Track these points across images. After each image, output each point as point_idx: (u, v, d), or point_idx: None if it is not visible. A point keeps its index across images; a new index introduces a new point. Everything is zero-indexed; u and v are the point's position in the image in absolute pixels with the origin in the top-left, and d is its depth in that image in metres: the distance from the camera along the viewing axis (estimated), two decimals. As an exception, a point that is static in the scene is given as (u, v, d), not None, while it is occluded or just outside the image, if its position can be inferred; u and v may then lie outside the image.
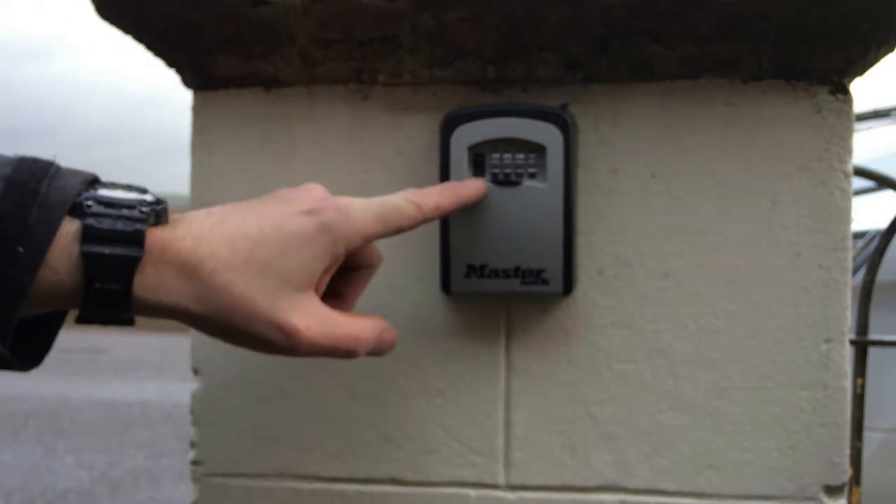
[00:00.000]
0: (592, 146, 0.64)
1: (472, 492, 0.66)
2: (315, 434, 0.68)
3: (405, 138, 0.66)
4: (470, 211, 0.62)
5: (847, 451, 0.64)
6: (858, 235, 1.79)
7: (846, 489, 0.64)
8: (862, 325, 1.15)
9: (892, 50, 0.61)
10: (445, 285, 0.64)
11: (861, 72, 0.63)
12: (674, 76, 0.63)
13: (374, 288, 0.67)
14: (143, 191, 0.48)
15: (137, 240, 0.45)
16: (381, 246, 0.67)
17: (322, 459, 0.68)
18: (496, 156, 0.62)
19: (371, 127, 0.67)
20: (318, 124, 0.67)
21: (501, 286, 0.62)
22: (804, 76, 0.63)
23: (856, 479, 1.10)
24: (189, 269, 0.46)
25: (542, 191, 0.61)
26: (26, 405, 5.23)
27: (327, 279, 0.52)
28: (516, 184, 0.62)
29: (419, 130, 0.66)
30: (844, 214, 0.63)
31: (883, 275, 1.19)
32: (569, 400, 0.65)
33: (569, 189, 0.61)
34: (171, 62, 0.69)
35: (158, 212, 0.47)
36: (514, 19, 0.61)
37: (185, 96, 0.71)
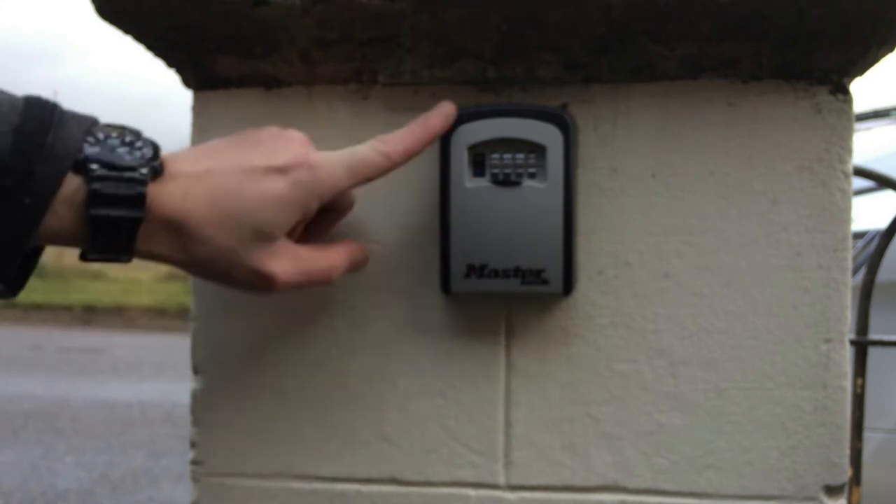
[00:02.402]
0: (592, 146, 0.64)
1: (472, 492, 0.66)
2: (315, 434, 0.68)
3: (405, 138, 0.66)
4: (470, 211, 0.62)
5: (847, 451, 0.64)
6: (858, 235, 1.79)
7: (846, 489, 0.64)
8: (862, 325, 1.15)
9: (892, 50, 0.61)
10: (445, 285, 0.64)
11: (861, 72, 0.63)
12: (674, 76, 0.63)
13: (374, 288, 0.67)
14: (137, 135, 0.52)
15: (139, 202, 0.50)
16: (382, 246, 0.67)
17: (322, 459, 0.68)
18: (496, 156, 0.62)
19: (371, 127, 0.67)
20: (318, 124, 0.67)
21: (501, 286, 0.62)
22: (804, 76, 0.63)
23: (856, 479, 1.10)
24: (176, 224, 0.51)
25: (542, 191, 0.61)
26: (26, 405, 5.23)
27: (301, 228, 0.58)
28: (516, 184, 0.62)
29: (419, 130, 0.66)
30: (844, 214, 0.63)
31: (883, 275, 1.19)
32: (569, 400, 0.65)
33: (569, 189, 0.61)
34: (171, 62, 0.69)
35: (156, 168, 0.51)
36: (514, 19, 0.61)
37: (187, 97, 0.71)
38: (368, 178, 0.57)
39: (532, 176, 0.62)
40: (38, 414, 5.07)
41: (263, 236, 0.53)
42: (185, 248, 0.52)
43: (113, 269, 11.56)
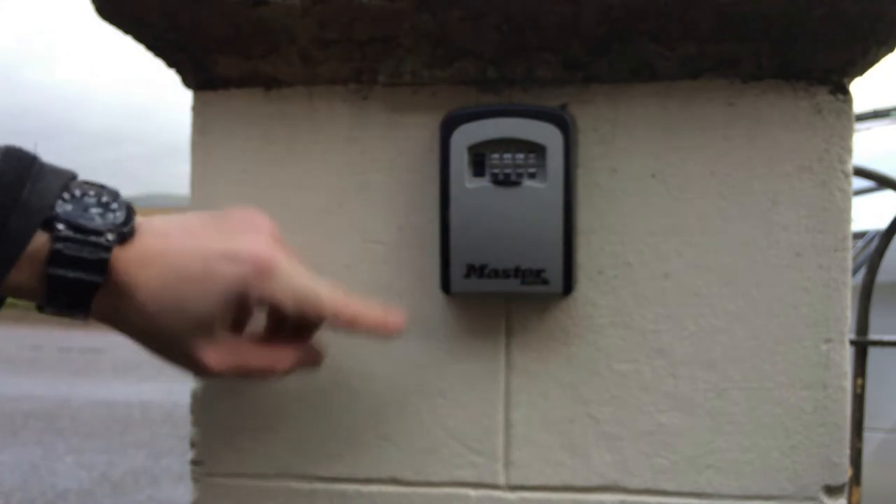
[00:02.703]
0: (592, 146, 0.64)
1: (472, 492, 0.66)
2: (315, 434, 0.68)
3: (405, 138, 0.66)
4: (470, 211, 0.62)
5: (847, 451, 0.64)
6: (858, 235, 1.79)
7: (846, 489, 0.64)
8: (862, 325, 1.15)
9: (892, 50, 0.61)
10: (445, 285, 0.64)
11: (861, 72, 0.63)
12: (674, 76, 0.63)
13: (374, 288, 0.67)
14: (115, 196, 0.52)
15: (100, 267, 0.50)
16: (382, 246, 0.67)
17: (322, 459, 0.68)
18: (496, 156, 0.62)
19: (371, 127, 0.67)
20: (318, 124, 0.67)
21: (501, 286, 0.62)
22: (804, 76, 0.63)
23: (856, 479, 1.10)
24: (128, 294, 0.51)
25: (542, 191, 0.61)
26: (26, 405, 5.23)
27: (247, 319, 0.59)
28: (516, 184, 0.62)
29: (419, 130, 0.66)
30: (844, 214, 0.63)
31: (883, 275, 1.19)
32: (569, 400, 0.65)
33: (569, 189, 0.61)
34: (171, 62, 0.69)
35: (125, 234, 0.51)
36: (514, 19, 0.61)
37: (187, 98, 0.71)
38: (305, 316, 0.57)
39: (532, 176, 0.62)
40: (38, 414, 5.07)
41: (203, 327, 0.54)
42: (129, 317, 0.52)
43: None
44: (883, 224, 1.22)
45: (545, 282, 0.62)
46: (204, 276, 0.53)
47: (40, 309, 0.52)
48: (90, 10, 0.64)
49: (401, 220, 0.67)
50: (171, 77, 0.71)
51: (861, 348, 1.14)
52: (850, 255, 0.63)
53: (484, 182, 0.62)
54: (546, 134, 0.61)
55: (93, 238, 0.49)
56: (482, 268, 0.62)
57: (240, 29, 0.64)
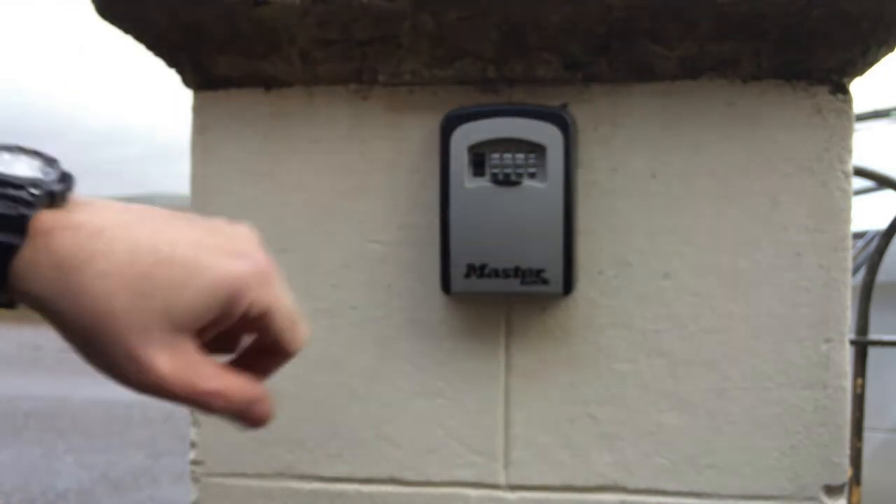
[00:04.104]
0: (592, 146, 0.64)
1: (472, 492, 0.66)
2: (315, 434, 0.68)
3: (405, 138, 0.66)
4: (470, 211, 0.62)
5: (847, 451, 0.64)
6: (858, 235, 1.79)
7: (846, 489, 0.64)
8: (862, 325, 1.15)
9: (892, 50, 0.61)
10: (445, 285, 0.64)
11: (861, 72, 0.63)
12: (674, 76, 0.63)
13: (374, 288, 0.67)
14: (52, 161, 0.43)
15: (20, 225, 0.40)
16: (382, 245, 0.67)
17: (322, 459, 0.68)
18: (496, 156, 0.62)
19: (371, 127, 0.67)
20: (318, 124, 0.67)
21: (501, 286, 0.62)
22: (804, 76, 0.63)
23: (856, 479, 1.10)
24: (72, 263, 0.41)
25: (542, 191, 0.61)
26: (26, 405, 5.23)
27: (213, 332, 0.46)
28: (516, 184, 0.62)
29: (419, 130, 0.66)
30: (844, 214, 0.63)
31: (883, 275, 1.19)
32: (569, 400, 0.65)
33: (569, 189, 0.61)
34: (171, 62, 0.69)
35: (55, 193, 0.42)
36: (514, 19, 0.61)
37: (188, 98, 0.71)
38: (280, 342, 0.47)
39: (532, 176, 0.62)
40: (38, 414, 5.07)
41: (172, 320, 0.43)
42: (73, 293, 0.41)
43: (113, 269, 11.53)
44: (883, 224, 1.22)
45: (545, 282, 0.62)
46: (195, 265, 0.43)
47: None
48: (91, 10, 0.64)
49: (401, 220, 0.67)
50: (171, 77, 0.71)
51: (861, 348, 1.14)
52: (850, 255, 0.63)
53: (484, 182, 0.62)
54: (546, 134, 0.61)
55: (11, 191, 0.40)
56: (482, 268, 0.62)
57: (240, 29, 0.64)
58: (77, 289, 0.41)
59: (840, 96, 0.62)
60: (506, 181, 0.62)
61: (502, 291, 0.63)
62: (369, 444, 0.67)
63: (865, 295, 1.16)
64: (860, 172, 1.13)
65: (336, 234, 0.67)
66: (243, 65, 0.67)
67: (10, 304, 0.43)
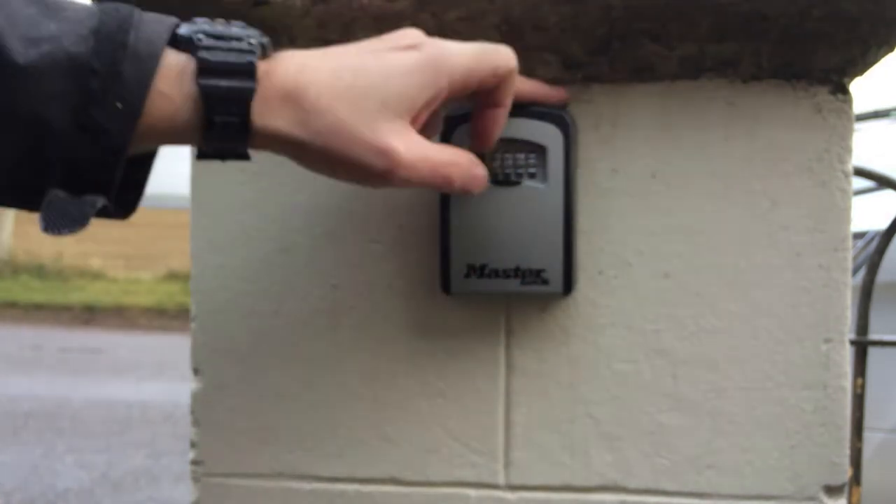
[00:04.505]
0: (592, 146, 0.64)
1: (472, 492, 0.66)
2: (315, 434, 0.68)
3: (405, 138, 0.66)
4: (470, 211, 0.62)
5: (847, 451, 0.64)
6: (858, 235, 1.79)
7: (846, 489, 0.64)
8: (862, 325, 1.15)
9: (892, 50, 0.61)
10: (445, 285, 0.64)
11: (861, 72, 0.63)
12: (674, 76, 0.63)
13: (374, 287, 0.67)
14: (243, 25, 0.50)
15: (250, 71, 0.47)
16: (382, 245, 0.67)
17: (322, 459, 0.68)
18: (496, 156, 0.62)
19: (371, 127, 0.67)
20: (318, 124, 0.67)
21: (501, 286, 0.62)
22: (804, 76, 0.63)
23: (856, 479, 1.10)
24: (295, 95, 0.48)
25: (542, 191, 0.61)
26: (26, 405, 5.23)
27: (426, 114, 0.53)
28: (516, 184, 0.62)
29: (419, 130, 0.66)
30: (844, 214, 0.63)
31: (883, 275, 1.19)
32: (569, 400, 0.65)
33: (569, 189, 0.61)
34: (171, 62, 0.69)
35: (264, 44, 0.49)
36: (514, 19, 0.61)
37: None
38: (495, 69, 0.54)
39: (532, 176, 0.62)
40: (38, 414, 5.07)
41: (389, 110, 0.50)
42: (304, 120, 0.48)
43: (113, 269, 11.56)
44: (883, 224, 1.22)
45: (545, 282, 0.62)
46: (382, 63, 0.50)
47: (201, 154, 0.49)
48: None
49: (401, 220, 0.67)
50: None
51: (861, 348, 1.14)
52: (850, 255, 0.63)
53: (484, 182, 0.62)
54: (546, 134, 0.61)
55: (236, 44, 0.47)
56: (482, 268, 0.62)
57: (240, 29, 0.64)
58: (305, 115, 0.48)
59: (840, 96, 0.62)
60: (506, 181, 0.62)
61: (502, 291, 0.63)
62: (369, 443, 0.67)
63: (865, 295, 1.16)
64: (860, 172, 1.13)
65: (336, 234, 0.67)
66: (243, 65, 0.67)
67: (247, 155, 0.50)
